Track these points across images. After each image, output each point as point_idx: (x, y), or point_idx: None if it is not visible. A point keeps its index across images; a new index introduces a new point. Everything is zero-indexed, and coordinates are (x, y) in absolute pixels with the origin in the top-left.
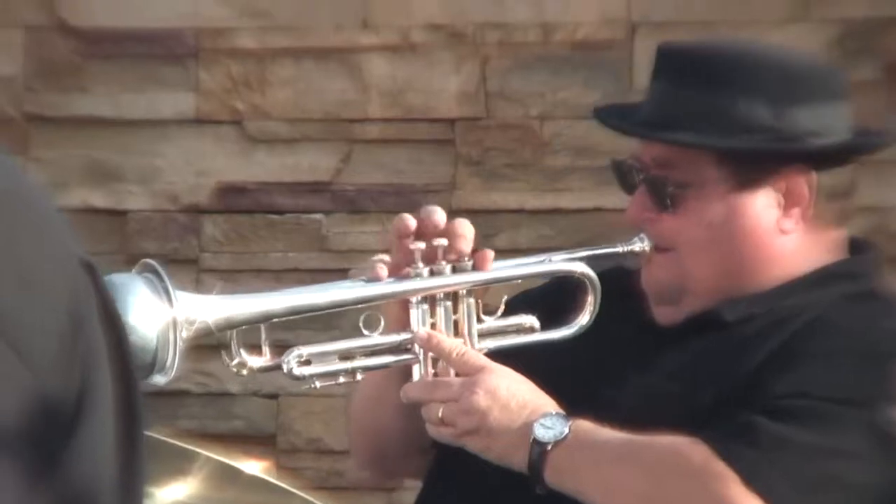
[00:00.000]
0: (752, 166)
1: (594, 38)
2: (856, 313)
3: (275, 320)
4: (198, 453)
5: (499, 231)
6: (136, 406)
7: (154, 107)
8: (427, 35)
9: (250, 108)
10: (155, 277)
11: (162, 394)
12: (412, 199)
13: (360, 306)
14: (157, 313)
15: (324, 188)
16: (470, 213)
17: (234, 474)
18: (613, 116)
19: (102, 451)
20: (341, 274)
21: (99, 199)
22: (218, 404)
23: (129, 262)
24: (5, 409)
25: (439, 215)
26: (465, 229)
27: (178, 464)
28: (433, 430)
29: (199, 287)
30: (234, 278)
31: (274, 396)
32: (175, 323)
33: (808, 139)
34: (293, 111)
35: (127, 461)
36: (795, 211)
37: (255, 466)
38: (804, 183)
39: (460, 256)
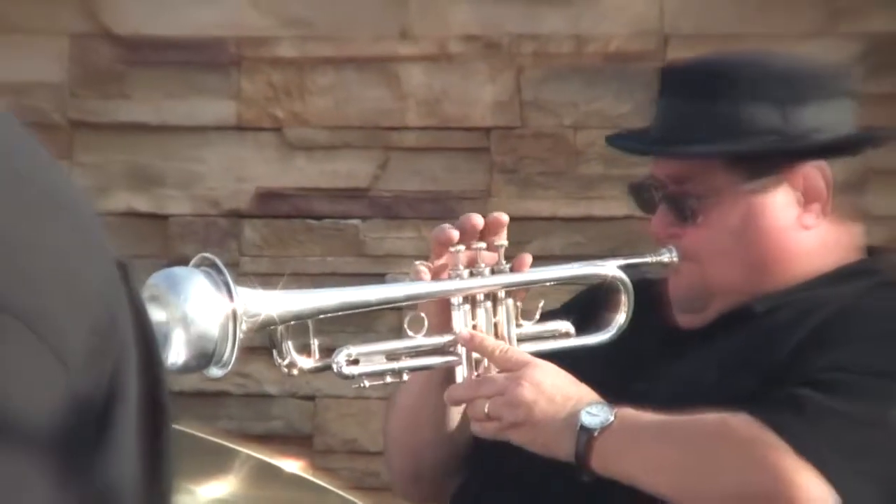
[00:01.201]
0: (766, 167)
1: (627, 49)
2: (885, 300)
3: (323, 317)
4: (238, 451)
5: (532, 238)
6: (163, 405)
7: (195, 113)
8: (464, 46)
9: (290, 115)
10: (214, 271)
11: (202, 394)
12: (448, 206)
13: (400, 307)
14: (217, 306)
15: (361, 194)
16: None
17: (274, 472)
18: (627, 140)
19: (128, 450)
20: (378, 279)
21: (141, 204)
22: (256, 405)
23: (171, 265)
24: (40, 409)
25: (477, 219)
26: (502, 219)
27: (219, 462)
28: (478, 427)
29: None
30: (273, 282)
31: (311, 398)
32: (235, 316)
33: (816, 135)
34: (332, 119)
35: (153, 461)
36: (815, 206)
37: (293, 465)
38: (819, 177)
39: (498, 252)
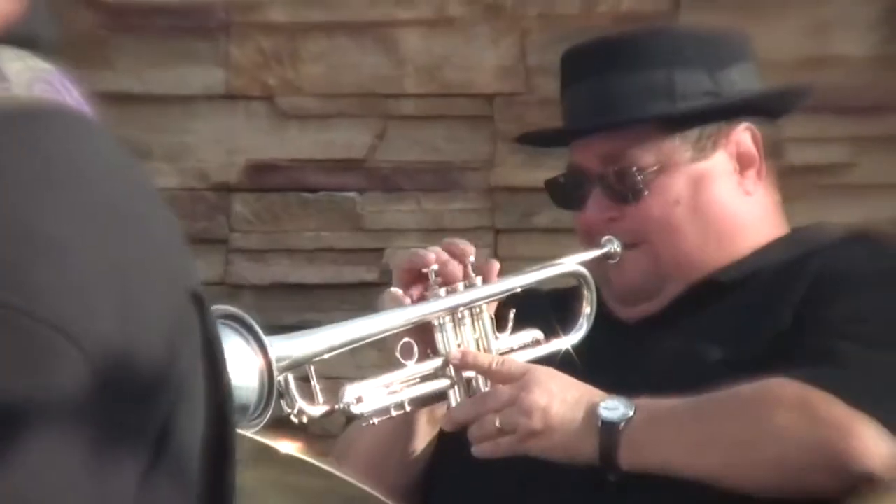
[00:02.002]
0: (704, 131)
1: (638, 10)
2: (864, 247)
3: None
4: None
5: (540, 209)
6: (230, 449)
7: (183, 82)
8: (464, 8)
9: (282, 83)
10: (235, 323)
11: None
12: (449, 177)
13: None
14: (252, 362)
15: (358, 166)
16: (509, 191)
17: (269, 454)
18: (545, 134)
19: (184, 487)
20: (376, 254)
21: None
22: None
23: None
24: (68, 436)
25: (448, 249)
26: (467, 247)
27: None
28: (489, 447)
29: (228, 267)
30: (265, 258)
31: (306, 380)
32: (270, 368)
33: (747, 94)
34: (326, 87)
35: (215, 497)
36: (751, 172)
37: (290, 447)
38: (751, 140)
39: (465, 266)
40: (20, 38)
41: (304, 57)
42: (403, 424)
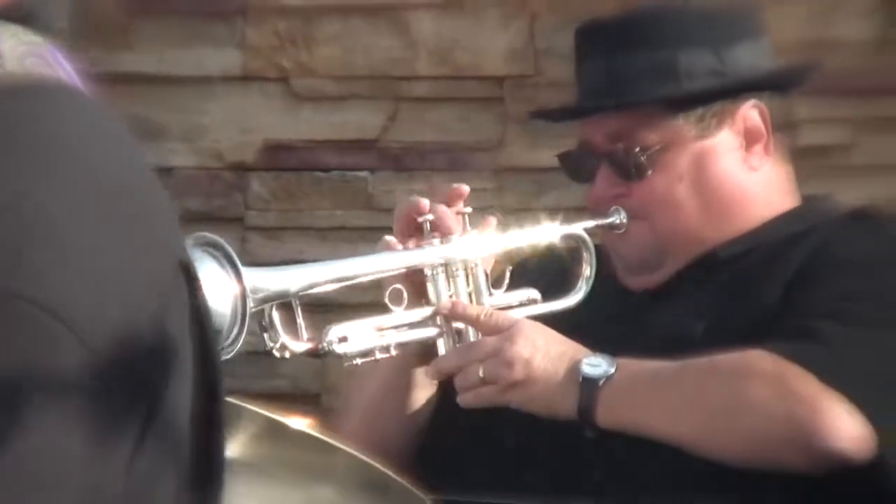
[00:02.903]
0: (708, 109)
1: None
2: (863, 227)
3: (314, 291)
4: (244, 408)
5: (548, 190)
6: (219, 419)
7: (200, 64)
8: None
9: (297, 65)
10: (214, 250)
11: None
12: (460, 158)
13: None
14: (226, 286)
15: (370, 146)
16: (518, 171)
17: (281, 430)
18: (556, 111)
19: (173, 460)
20: (387, 231)
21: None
22: (262, 363)
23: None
24: (67, 417)
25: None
26: (463, 189)
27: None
28: (471, 397)
29: (244, 245)
30: (280, 236)
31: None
32: (244, 295)
33: (753, 72)
34: (340, 69)
35: (204, 470)
36: (757, 147)
37: (301, 423)
38: (758, 116)
39: (463, 219)
40: (14, 13)
41: (319, 39)
42: (400, 378)
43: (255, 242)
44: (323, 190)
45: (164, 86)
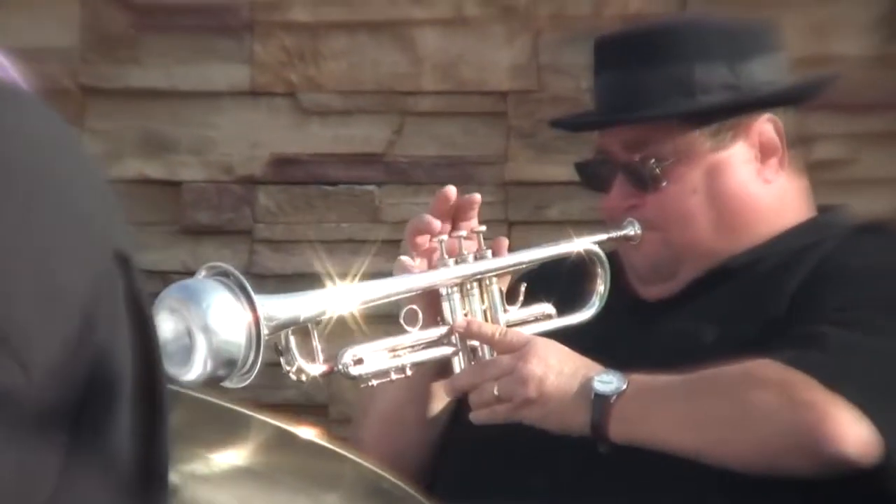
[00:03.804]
0: (723, 124)
1: (646, 11)
2: (873, 239)
3: (328, 316)
4: (253, 418)
5: (551, 203)
6: (161, 403)
7: (208, 79)
8: (480, 8)
9: (304, 80)
10: (226, 278)
11: None
12: (464, 171)
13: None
14: (240, 313)
15: (377, 160)
16: (522, 185)
17: (290, 439)
18: (574, 121)
19: (115, 445)
20: (394, 245)
21: (153, 170)
22: (271, 374)
23: (184, 232)
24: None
25: (450, 190)
26: (475, 198)
27: (234, 428)
28: (486, 414)
29: (253, 257)
30: (288, 249)
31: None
32: (258, 322)
33: (767, 87)
34: (347, 83)
35: (148, 462)
36: (772, 161)
37: (309, 433)
38: (773, 130)
39: (478, 238)
40: None
41: (326, 55)
42: (418, 389)
43: (263, 255)
44: (330, 203)
45: (172, 100)
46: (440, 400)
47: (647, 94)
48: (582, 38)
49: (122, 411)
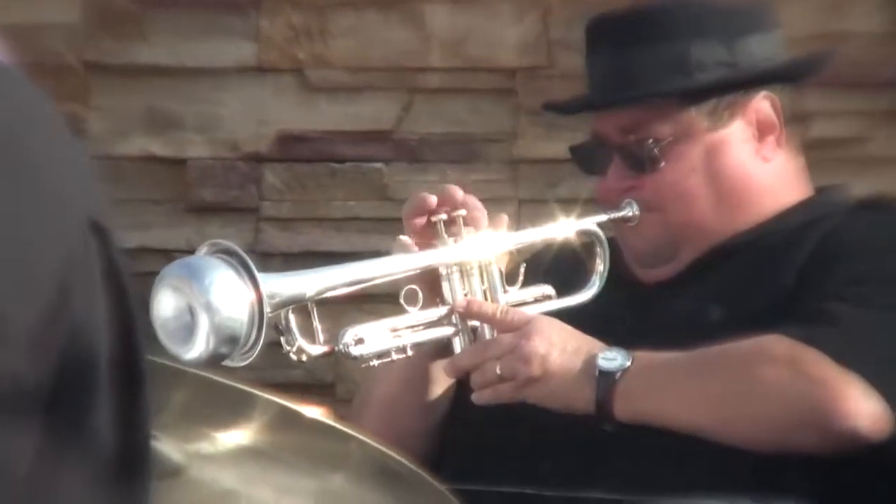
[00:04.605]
0: (720, 102)
1: None
2: (874, 215)
3: (329, 294)
4: (259, 397)
5: (560, 181)
6: (139, 377)
7: (215, 55)
8: None
9: (311, 57)
10: (229, 256)
11: None
12: (473, 149)
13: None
14: (242, 291)
15: (385, 137)
16: (531, 163)
17: (295, 418)
18: (568, 104)
19: (93, 421)
20: (401, 222)
21: (159, 148)
22: (276, 354)
23: (189, 210)
24: None
25: (457, 190)
26: (478, 203)
27: (240, 407)
28: (488, 394)
29: (259, 235)
30: (294, 227)
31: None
32: (261, 299)
33: (764, 64)
34: (355, 60)
35: (129, 430)
36: (770, 138)
37: (316, 412)
38: (770, 108)
39: (477, 225)
40: None
41: (333, 31)
42: (418, 372)
43: (269, 233)
44: (337, 181)
45: (179, 77)
46: (441, 383)
47: (642, 74)
48: (591, 14)
49: (100, 387)
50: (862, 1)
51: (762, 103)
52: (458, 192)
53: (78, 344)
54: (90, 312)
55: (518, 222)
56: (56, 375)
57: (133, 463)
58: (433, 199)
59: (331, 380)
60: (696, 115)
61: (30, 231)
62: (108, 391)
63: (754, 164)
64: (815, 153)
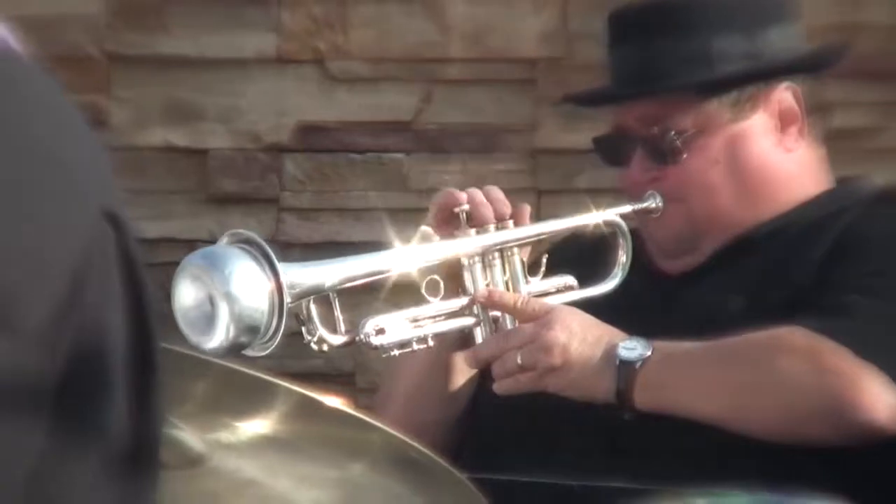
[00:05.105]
0: (742, 94)
1: None
2: (893, 205)
3: (349, 285)
4: (280, 385)
5: (580, 171)
6: (153, 370)
7: (236, 46)
8: None
9: (332, 48)
10: (249, 246)
11: None
12: (493, 140)
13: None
14: (263, 280)
15: (405, 128)
16: (551, 154)
17: (316, 407)
18: (590, 96)
19: (105, 414)
20: (422, 213)
21: (180, 138)
22: (296, 343)
23: (210, 200)
24: None
25: (483, 194)
26: (500, 193)
27: (260, 396)
28: (509, 383)
29: (279, 226)
30: (315, 217)
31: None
32: (281, 289)
33: (785, 55)
34: (375, 51)
35: (141, 423)
36: (792, 129)
37: (336, 401)
38: (792, 98)
39: (501, 217)
40: None
41: (354, 22)
42: (439, 363)
43: (290, 224)
44: (357, 171)
45: (200, 68)
46: (462, 374)
47: (664, 66)
48: (611, 4)
49: (113, 380)
50: None
51: (784, 94)
52: (482, 198)
53: (91, 336)
54: (105, 305)
55: (538, 213)
56: (68, 368)
57: (145, 456)
58: (463, 196)
59: (350, 369)
60: (718, 107)
61: (44, 222)
62: (122, 384)
63: (776, 155)
64: (830, 144)
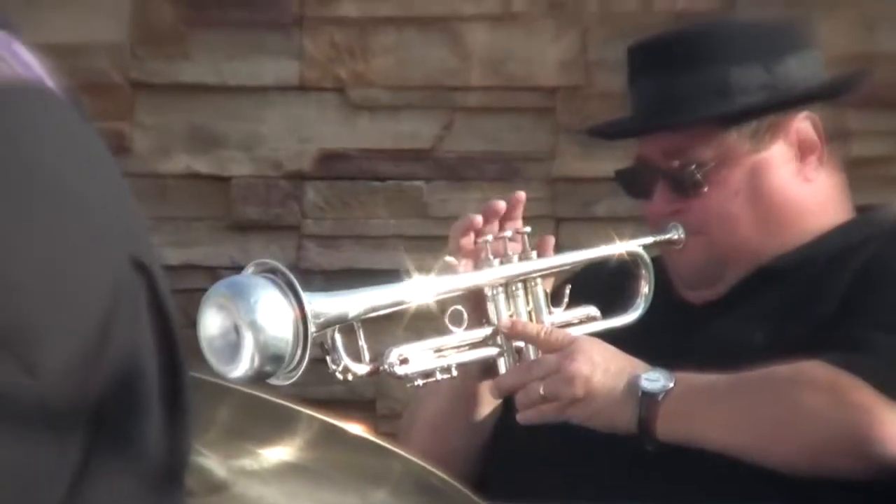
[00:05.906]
0: (761, 124)
1: (694, 8)
2: None
3: (375, 314)
4: (302, 413)
5: (598, 199)
6: (184, 406)
7: (257, 74)
8: (528, 4)
9: (353, 75)
10: (274, 275)
11: None
12: (512, 167)
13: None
14: (287, 310)
15: (425, 155)
16: (570, 182)
17: (338, 434)
18: (611, 128)
19: (138, 455)
20: (442, 241)
21: (202, 165)
22: (318, 369)
23: (232, 227)
24: (16, 431)
25: (499, 204)
26: (520, 196)
27: (283, 424)
28: (532, 414)
29: (300, 252)
30: (335, 244)
31: None
32: (305, 318)
33: (803, 84)
34: (395, 79)
35: (169, 465)
36: (812, 158)
37: (357, 429)
38: (811, 128)
39: (522, 239)
40: None
41: (375, 50)
42: (463, 393)
43: (310, 250)
44: (378, 199)
45: (221, 95)
46: (486, 404)
47: (684, 98)
48: (630, 34)
49: (149, 416)
50: (894, 21)
51: (803, 123)
52: (501, 205)
53: (124, 374)
54: (136, 344)
55: (556, 241)
56: (101, 402)
57: (174, 487)
58: (479, 219)
59: (371, 395)
60: (737, 138)
61: (72, 264)
62: (154, 421)
63: (797, 185)
64: (848, 172)
